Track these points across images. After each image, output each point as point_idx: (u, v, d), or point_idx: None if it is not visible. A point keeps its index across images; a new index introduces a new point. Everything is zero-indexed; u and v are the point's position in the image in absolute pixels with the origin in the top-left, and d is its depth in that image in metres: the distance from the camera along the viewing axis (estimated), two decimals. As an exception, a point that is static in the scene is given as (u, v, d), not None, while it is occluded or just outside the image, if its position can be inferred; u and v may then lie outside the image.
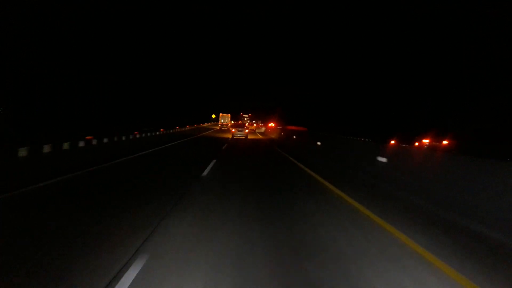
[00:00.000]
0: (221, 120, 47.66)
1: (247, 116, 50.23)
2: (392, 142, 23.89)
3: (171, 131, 25.52)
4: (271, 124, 48.98)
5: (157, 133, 20.62)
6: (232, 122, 44.20)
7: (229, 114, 48.03)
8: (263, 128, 50.32)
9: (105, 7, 29.99)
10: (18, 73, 21.79)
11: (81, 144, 10.85)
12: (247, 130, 27.08)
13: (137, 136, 17.50)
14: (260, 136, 32.23)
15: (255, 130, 45.39)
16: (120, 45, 33.80)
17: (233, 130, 25.93)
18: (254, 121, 47.45)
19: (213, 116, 54.60)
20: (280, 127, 41.81)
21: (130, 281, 2.47)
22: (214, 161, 9.86)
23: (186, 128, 33.70)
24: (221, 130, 40.35)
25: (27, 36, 22.74)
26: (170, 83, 48.82)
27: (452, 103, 36.44)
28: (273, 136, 33.31)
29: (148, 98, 39.83)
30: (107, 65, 30.45)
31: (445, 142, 24.21)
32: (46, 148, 8.90)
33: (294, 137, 23.42)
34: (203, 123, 51.38)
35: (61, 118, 23.19)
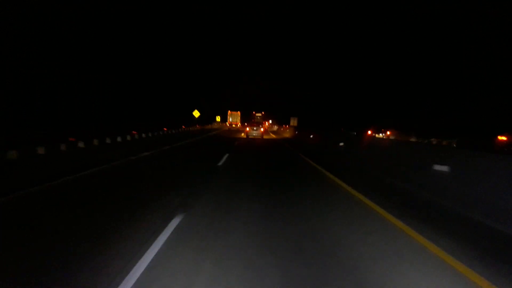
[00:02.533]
0: (230, 119, 43.50)
1: (260, 114, 48.31)
2: (369, 132, 32.85)
3: (173, 131, 23.18)
4: (285, 125, 50.16)
5: (151, 134, 17.65)
6: (239, 123, 42.13)
7: (239, 112, 43.87)
8: (275, 127, 50.42)
9: (105, 7, 30.02)
10: (18, 73, 21.78)
11: (63, 148, 9.19)
12: (262, 129, 26.00)
13: (136, 136, 16.20)
14: (274, 136, 32.43)
15: (267, 130, 44.07)
16: (120, 45, 33.81)
17: (248, 129, 25.60)
18: (266, 121, 46.79)
19: (196, 113, 37.87)
20: (293, 127, 42.73)
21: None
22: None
23: (197, 128, 32.71)
24: (230, 131, 36.58)
25: (27, 36, 22.73)
26: (172, 82, 48.41)
27: (452, 103, 36.40)
28: (287, 135, 34.01)
29: (149, 98, 39.69)
30: (107, 65, 30.45)
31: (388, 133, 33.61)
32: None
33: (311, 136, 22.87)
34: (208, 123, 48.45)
35: (61, 118, 23.16)
